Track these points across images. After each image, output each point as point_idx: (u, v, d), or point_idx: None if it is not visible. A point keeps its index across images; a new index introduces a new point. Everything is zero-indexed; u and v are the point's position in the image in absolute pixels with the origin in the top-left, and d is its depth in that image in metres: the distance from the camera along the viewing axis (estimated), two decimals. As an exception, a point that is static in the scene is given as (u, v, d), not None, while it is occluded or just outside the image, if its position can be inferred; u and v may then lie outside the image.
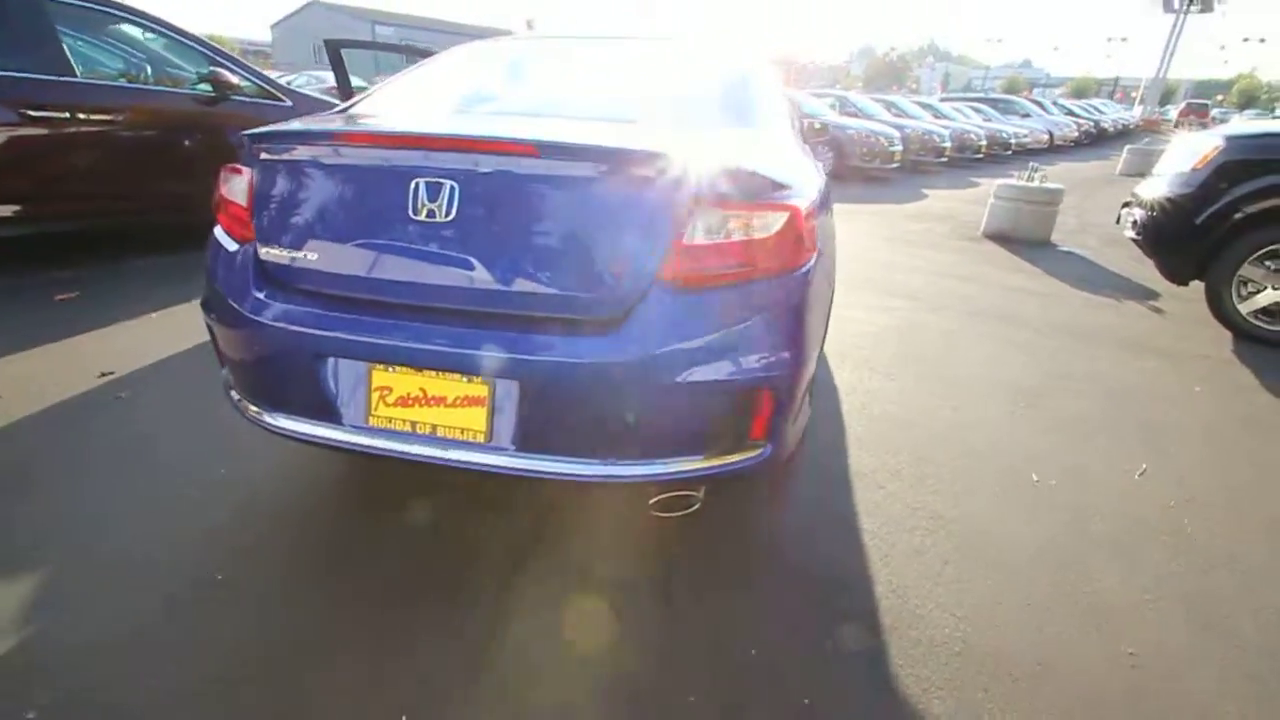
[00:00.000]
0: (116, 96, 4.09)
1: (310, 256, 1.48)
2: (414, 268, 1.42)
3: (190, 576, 1.64)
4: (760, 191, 1.43)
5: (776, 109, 2.04)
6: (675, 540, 1.85)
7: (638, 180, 1.36)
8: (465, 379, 1.42)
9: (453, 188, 1.37)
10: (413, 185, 1.39)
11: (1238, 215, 3.58)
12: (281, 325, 1.48)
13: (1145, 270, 5.21)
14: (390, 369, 1.45)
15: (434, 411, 1.45)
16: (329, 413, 1.51)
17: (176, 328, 3.23)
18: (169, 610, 1.53)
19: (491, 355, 1.37)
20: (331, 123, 1.68)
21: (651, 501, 1.54)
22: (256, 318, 1.50)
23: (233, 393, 1.71)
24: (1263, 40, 68.92)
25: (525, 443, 1.42)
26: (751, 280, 1.42)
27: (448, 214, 1.38)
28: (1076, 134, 20.12)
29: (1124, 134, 26.50)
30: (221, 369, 1.78)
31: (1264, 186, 3.49)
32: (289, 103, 4.82)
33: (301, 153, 1.52)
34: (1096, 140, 22.41)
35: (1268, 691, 1.45)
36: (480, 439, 1.44)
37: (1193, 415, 2.80)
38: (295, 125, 1.67)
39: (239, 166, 1.61)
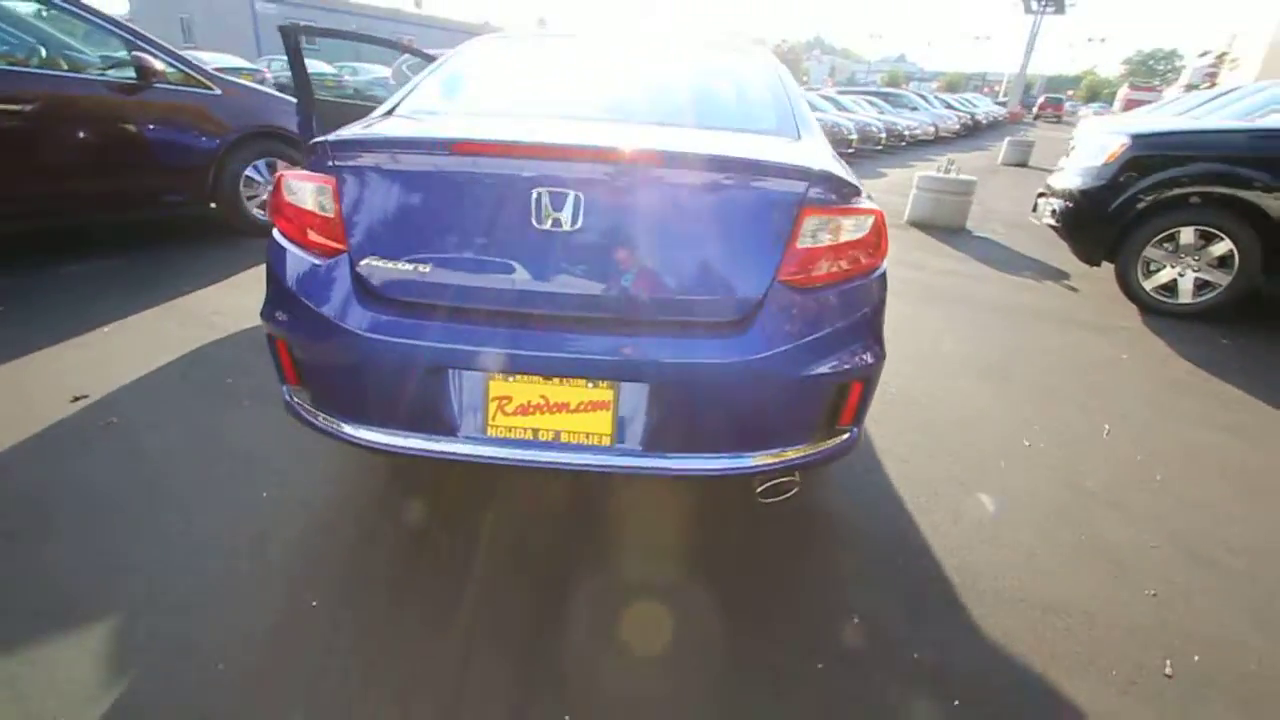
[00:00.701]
0: (20, 84, 3.63)
1: (422, 269, 1.45)
2: (537, 277, 1.43)
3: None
4: (851, 195, 1.55)
5: (811, 113, 2.16)
6: (748, 522, 1.96)
7: (756, 187, 1.44)
8: (590, 384, 1.45)
9: (578, 197, 1.39)
10: (535, 194, 1.39)
11: (1141, 204, 4.11)
12: (391, 339, 1.43)
13: (1051, 252, 5.86)
14: (509, 378, 1.45)
15: (556, 418, 1.47)
16: (443, 426, 1.49)
17: (138, 341, 2.96)
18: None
19: (620, 360, 1.41)
20: (425, 130, 1.61)
21: (759, 489, 1.64)
22: (362, 333, 1.44)
23: (313, 412, 1.63)
24: (1103, 40, 77.77)
25: (653, 442, 1.47)
26: (850, 279, 1.54)
27: (574, 223, 1.40)
28: (958, 126, 21.84)
29: (995, 126, 29.07)
30: (286, 386, 1.69)
31: (1164, 179, 4.03)
32: (218, 91, 4.45)
33: (401, 161, 1.47)
34: (973, 132, 24.42)
35: (1260, 608, 1.76)
36: (606, 441, 1.48)
37: (1128, 380, 3.23)
38: (388, 132, 1.61)
39: (313, 174, 1.53)
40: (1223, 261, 4.00)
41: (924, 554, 1.89)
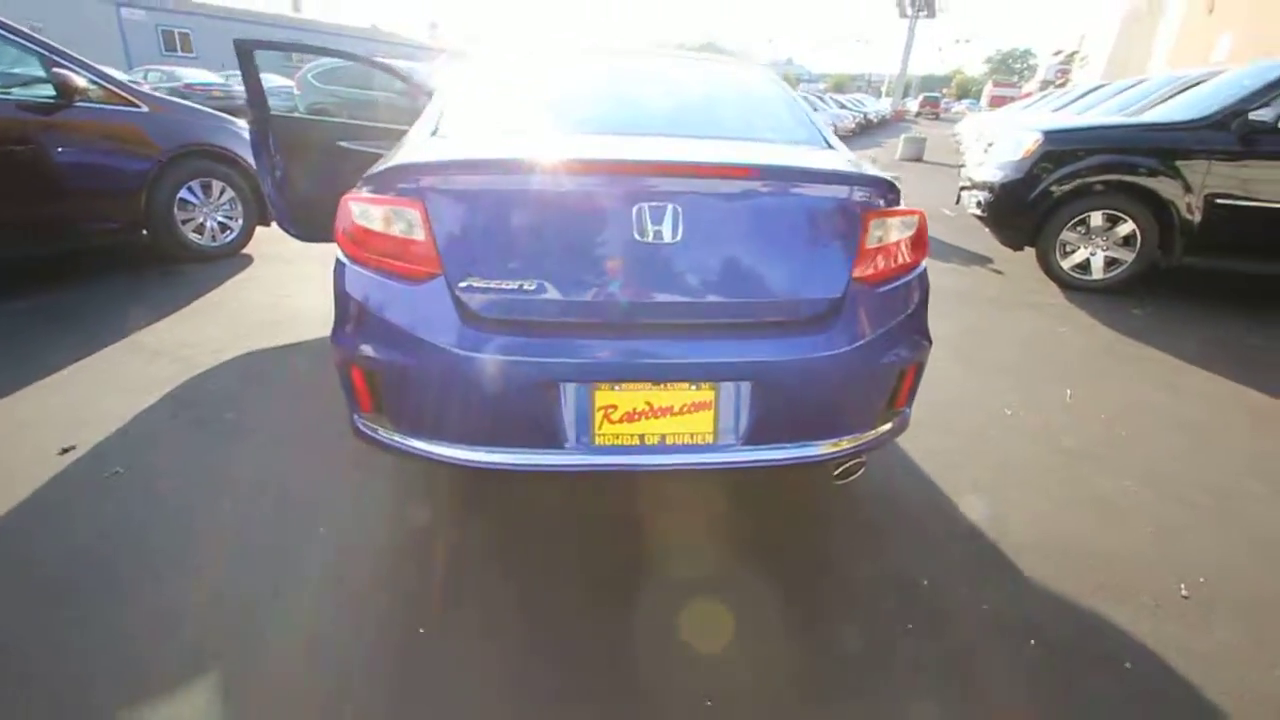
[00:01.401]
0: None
1: (527, 286, 1.47)
2: (641, 288, 1.49)
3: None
4: (898, 199, 1.71)
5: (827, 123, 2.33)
6: (788, 509, 2.10)
7: (829, 195, 1.57)
8: (693, 386, 1.52)
9: (676, 210, 1.47)
10: (635, 210, 1.46)
11: (1056, 193, 4.61)
12: (502, 358, 1.45)
13: (971, 240, 6.40)
14: (615, 387, 1.50)
15: (661, 422, 1.54)
16: (551, 439, 1.52)
17: (106, 383, 2.73)
18: None
19: (722, 361, 1.50)
20: (514, 151, 1.62)
21: (836, 472, 1.76)
22: (470, 354, 1.45)
23: (396, 438, 1.60)
24: (969, 41, 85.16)
25: (752, 436, 1.57)
26: (905, 272, 1.70)
27: (674, 236, 1.47)
28: (854, 125, 23.20)
29: (883, 124, 31.07)
30: (359, 414, 1.65)
31: (1073, 170, 4.53)
32: (145, 108, 4.14)
33: (492, 182, 1.49)
34: (866, 130, 26.02)
35: (1237, 537, 2.07)
36: (709, 440, 1.56)
37: (1071, 350, 3.63)
38: (472, 154, 1.61)
39: (396, 199, 1.52)
40: (1127, 241, 4.55)
41: (955, 518, 2.09)
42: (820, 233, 1.58)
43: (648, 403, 1.52)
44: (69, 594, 1.63)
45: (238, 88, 17.90)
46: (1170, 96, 6.03)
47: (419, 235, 1.50)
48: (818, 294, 1.57)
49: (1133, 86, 7.40)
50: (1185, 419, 2.85)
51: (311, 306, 3.78)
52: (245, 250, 4.80)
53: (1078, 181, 4.54)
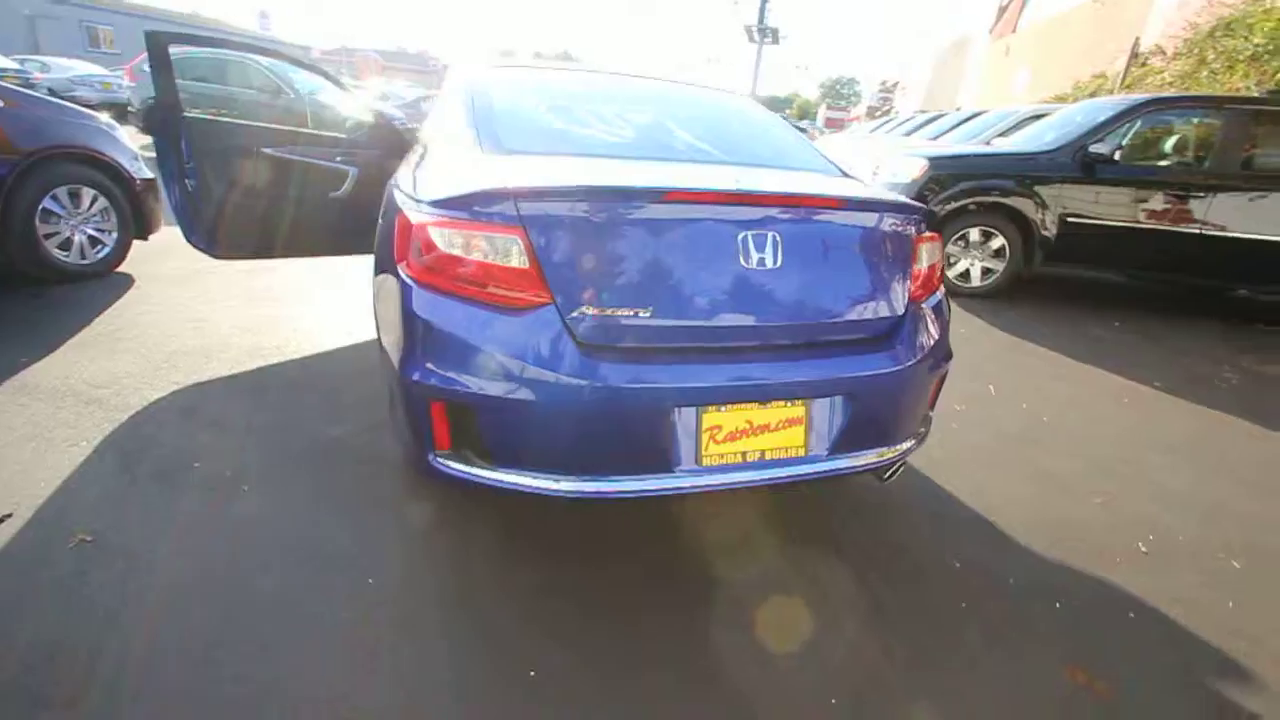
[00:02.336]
0: None
1: (642, 313, 1.48)
2: (746, 313, 1.56)
3: None
4: (926, 222, 1.92)
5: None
6: (810, 509, 2.25)
7: (895, 222, 1.73)
8: (788, 404, 1.61)
9: (776, 238, 1.55)
10: (741, 237, 1.52)
11: (941, 212, 5.25)
12: (613, 385, 1.44)
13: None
14: (721, 408, 1.55)
15: (760, 439, 1.60)
16: (660, 463, 1.53)
17: (10, 435, 2.28)
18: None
19: (816, 379, 1.61)
20: (622, 179, 1.62)
21: (887, 474, 1.92)
22: (586, 383, 1.43)
23: (480, 473, 1.52)
24: (807, 67, 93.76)
25: (835, 447, 1.68)
26: (939, 290, 1.91)
27: (775, 262, 1.55)
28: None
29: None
30: (434, 452, 1.55)
31: (955, 191, 5.19)
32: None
33: (595, 209, 1.48)
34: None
35: (1166, 497, 2.52)
36: (800, 453, 1.65)
37: (978, 350, 4.16)
38: (576, 181, 1.58)
39: (489, 225, 1.46)
40: (999, 253, 5.28)
41: (954, 504, 2.36)
42: (886, 256, 1.74)
43: (748, 421, 1.58)
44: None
45: (40, 75, 15.44)
46: (1010, 129, 7.04)
47: (522, 263, 1.45)
48: (886, 312, 1.73)
49: (973, 118, 8.57)
50: (1085, 403, 3.40)
51: (237, 331, 3.38)
52: (121, 269, 4.17)
53: (957, 202, 5.20)
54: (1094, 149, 4.89)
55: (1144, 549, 2.18)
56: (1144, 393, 3.63)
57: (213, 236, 3.28)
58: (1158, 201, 4.86)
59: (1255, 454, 2.99)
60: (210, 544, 1.85)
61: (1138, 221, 4.91)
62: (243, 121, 3.47)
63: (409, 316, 1.52)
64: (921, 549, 2.09)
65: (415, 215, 1.56)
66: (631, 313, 1.48)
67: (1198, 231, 4.83)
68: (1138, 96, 5.44)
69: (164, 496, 2.04)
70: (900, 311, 1.75)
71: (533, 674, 1.50)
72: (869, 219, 1.71)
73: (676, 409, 1.51)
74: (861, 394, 1.67)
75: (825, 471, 1.69)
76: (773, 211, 1.56)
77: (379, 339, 1.90)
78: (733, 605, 1.76)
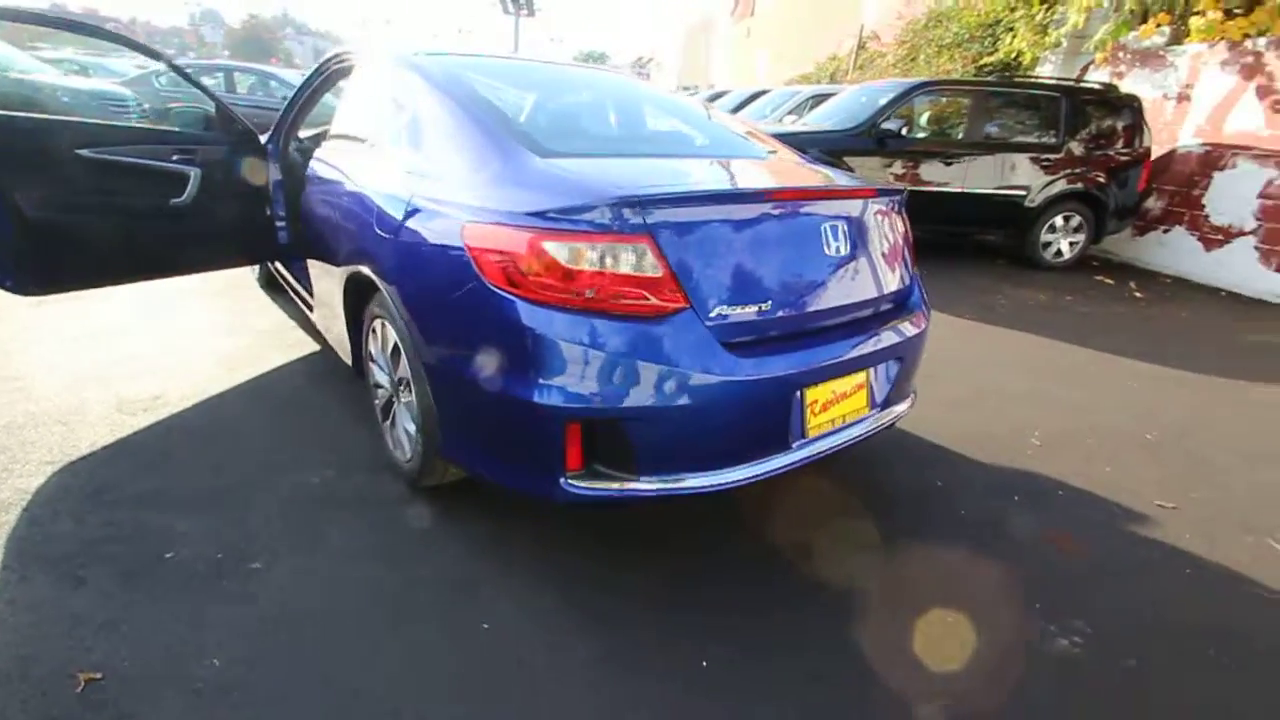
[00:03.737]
0: None
1: (763, 307, 1.58)
2: (830, 296, 1.74)
3: None
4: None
5: None
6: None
7: (894, 203, 2.02)
8: (858, 372, 1.83)
9: (844, 227, 1.74)
10: (823, 228, 1.68)
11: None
12: (753, 378, 1.54)
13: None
14: (818, 384, 1.72)
15: (841, 405, 1.81)
16: (780, 442, 1.66)
17: None
18: None
19: (886, 347, 1.87)
20: (719, 182, 1.71)
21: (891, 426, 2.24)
22: (729, 378, 1.50)
23: (639, 482, 1.52)
24: (561, 40, 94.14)
25: (883, 404, 1.95)
26: (914, 261, 2.26)
27: (847, 249, 1.75)
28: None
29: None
30: (565, 476, 1.51)
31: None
32: None
33: (708, 212, 1.54)
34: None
35: (1048, 411, 3.25)
36: (865, 413, 1.89)
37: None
38: (690, 187, 1.60)
39: (617, 235, 1.44)
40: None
41: (903, 434, 2.82)
42: (896, 233, 2.03)
43: (833, 392, 1.78)
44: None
45: None
46: (797, 108, 8.00)
47: (656, 270, 1.46)
48: (906, 283, 2.03)
49: (757, 97, 9.55)
50: (968, 345, 4.12)
51: (79, 384, 2.69)
52: None
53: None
54: (884, 126, 5.84)
55: (1037, 443, 2.85)
56: (969, 325, 4.53)
57: (17, 265, 2.54)
58: (931, 167, 5.98)
59: (1055, 358, 3.96)
60: (291, 653, 1.55)
61: (919, 185, 6.00)
62: (48, 116, 2.71)
63: (525, 338, 1.44)
64: (901, 470, 2.49)
65: (513, 230, 1.46)
66: (755, 307, 1.59)
67: (959, 190, 6.06)
68: (910, 80, 6.56)
69: (163, 601, 1.64)
70: (909, 280, 2.07)
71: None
72: (884, 203, 1.98)
73: (790, 391, 1.65)
74: (903, 355, 1.96)
75: (878, 427, 1.96)
76: (841, 203, 1.76)
77: (415, 366, 1.76)
78: (795, 522, 1.97)
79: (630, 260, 1.45)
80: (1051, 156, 6.01)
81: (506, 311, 1.47)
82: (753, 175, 2.04)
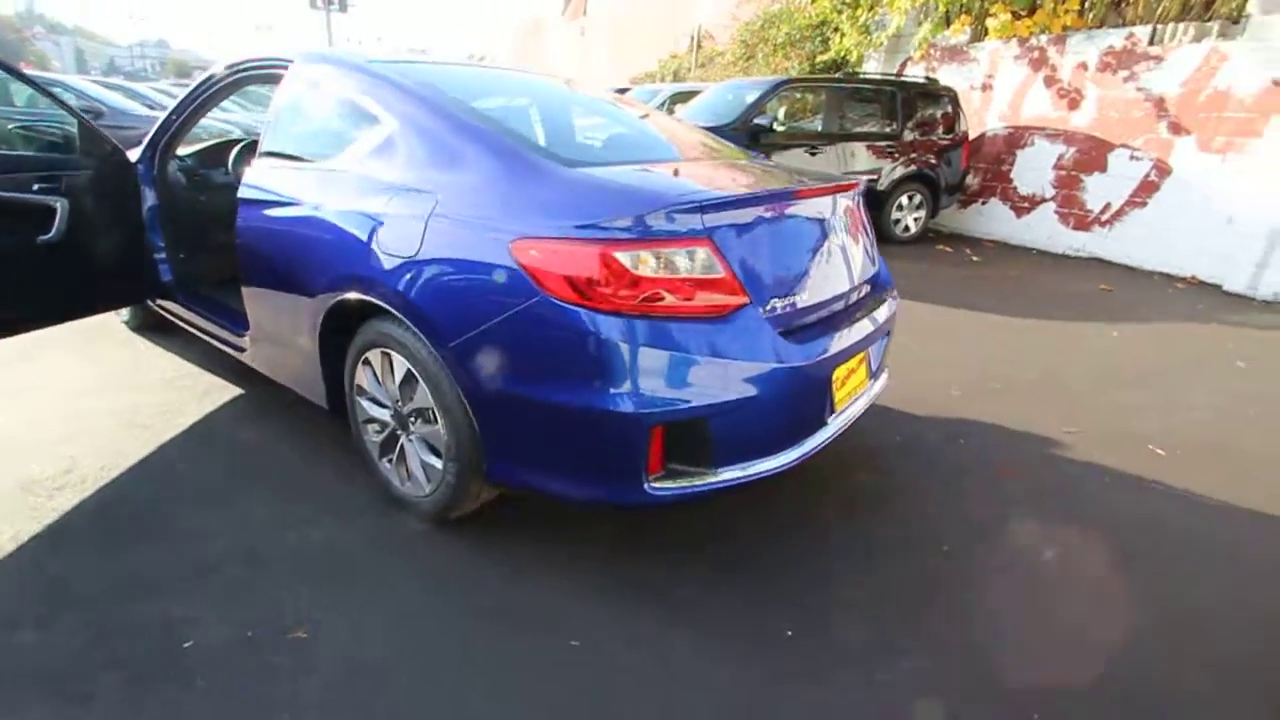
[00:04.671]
0: None
1: (805, 297, 1.72)
2: (843, 282, 1.94)
3: None
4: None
5: None
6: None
7: (859, 194, 2.24)
8: (865, 350, 2.03)
9: (842, 220, 1.94)
10: (828, 221, 1.88)
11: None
12: (810, 363, 1.69)
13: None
14: (843, 363, 1.89)
15: (851, 380, 2.00)
16: (818, 421, 1.81)
17: None
18: None
19: (884, 323, 2.09)
20: (743, 184, 1.81)
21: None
22: (792, 365, 1.63)
23: (717, 473, 1.60)
24: (381, 39, 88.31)
25: (874, 375, 2.18)
26: (871, 244, 2.53)
27: (845, 238, 1.96)
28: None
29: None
30: (649, 480, 1.56)
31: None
32: None
33: (751, 212, 1.64)
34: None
35: (988, 360, 3.71)
36: (865, 385, 2.10)
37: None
38: (732, 190, 1.68)
39: (679, 240, 1.50)
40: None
41: (899, 416, 3.13)
42: (867, 221, 2.25)
43: (849, 369, 1.96)
44: None
45: None
46: (664, 104, 8.31)
47: (718, 271, 1.54)
48: (878, 263, 2.27)
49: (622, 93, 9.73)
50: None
51: (48, 438, 2.22)
52: None
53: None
54: (757, 121, 6.27)
55: (957, 394, 3.28)
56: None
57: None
58: (799, 158, 6.51)
59: (935, 320, 4.53)
60: (389, 707, 1.43)
61: (791, 174, 6.52)
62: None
63: (599, 348, 1.47)
64: (871, 434, 2.78)
65: (579, 244, 1.47)
66: (794, 298, 1.73)
67: (824, 177, 6.66)
68: (773, 79, 7.05)
69: (211, 695, 1.44)
70: (878, 261, 2.31)
71: (787, 634, 1.68)
72: (854, 194, 2.19)
73: (833, 369, 1.81)
74: (889, 329, 2.20)
75: (873, 395, 2.18)
76: (839, 198, 1.93)
77: (444, 392, 1.71)
78: (803, 494, 2.17)
79: (696, 263, 1.52)
80: (893, 143, 6.80)
81: (575, 324, 1.47)
82: (765, 177, 2.13)
